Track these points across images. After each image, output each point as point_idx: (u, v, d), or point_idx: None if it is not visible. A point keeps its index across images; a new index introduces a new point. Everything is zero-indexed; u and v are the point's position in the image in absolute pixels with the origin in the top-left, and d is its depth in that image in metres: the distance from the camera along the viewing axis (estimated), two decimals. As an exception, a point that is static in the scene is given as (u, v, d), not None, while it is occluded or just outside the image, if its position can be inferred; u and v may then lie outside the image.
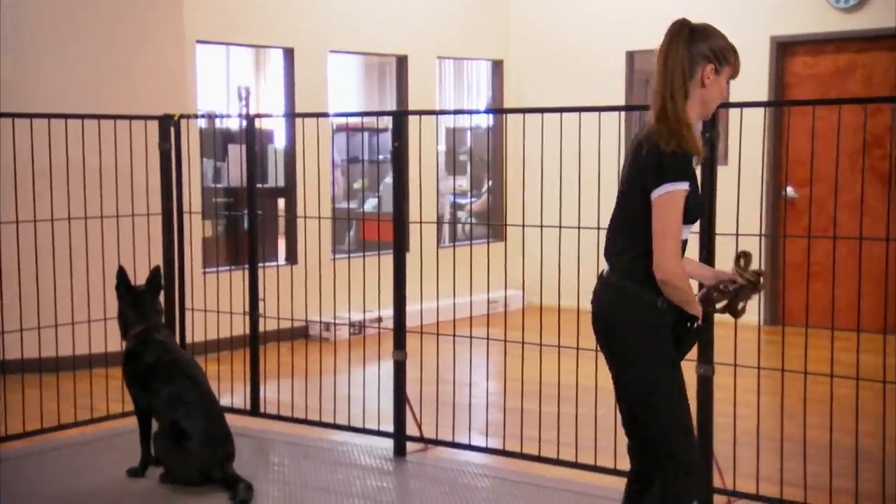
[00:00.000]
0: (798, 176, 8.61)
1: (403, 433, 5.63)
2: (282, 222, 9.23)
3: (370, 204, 9.67)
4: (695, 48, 3.29)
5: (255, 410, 6.15)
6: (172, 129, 6.30)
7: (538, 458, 5.24)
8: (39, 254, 5.89)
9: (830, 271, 4.64)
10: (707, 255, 4.57)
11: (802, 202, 8.77)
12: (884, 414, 4.49)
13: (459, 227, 10.54)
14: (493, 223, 9.73)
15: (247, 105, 11.81)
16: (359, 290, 5.90)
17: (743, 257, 3.45)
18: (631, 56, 9.92)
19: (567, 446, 5.18)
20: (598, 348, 3.46)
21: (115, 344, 5.65)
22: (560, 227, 5.14)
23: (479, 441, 5.64)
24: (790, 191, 8.81)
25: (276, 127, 10.20)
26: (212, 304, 6.80)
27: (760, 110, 5.16)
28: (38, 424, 5.76)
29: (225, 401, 5.96)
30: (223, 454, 5.02)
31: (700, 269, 3.60)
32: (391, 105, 10.44)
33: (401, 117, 5.79)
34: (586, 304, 3.54)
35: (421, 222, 6.07)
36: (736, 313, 3.45)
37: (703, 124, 4.32)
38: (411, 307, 5.73)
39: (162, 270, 5.59)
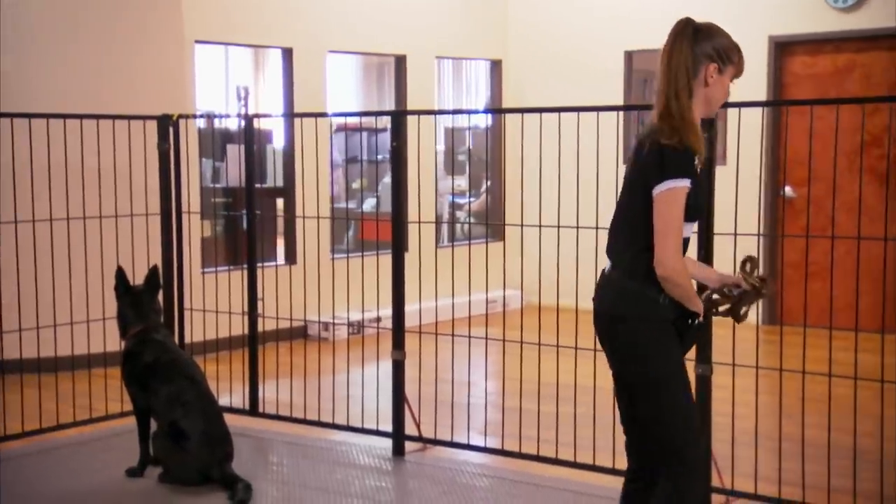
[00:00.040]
0: (796, 175, 8.61)
1: (402, 433, 5.64)
2: (280, 222, 9.23)
3: (369, 204, 9.67)
4: (698, 47, 3.30)
5: (253, 410, 6.16)
6: (171, 129, 6.30)
7: (537, 458, 5.24)
8: (38, 254, 5.89)
9: (829, 271, 4.65)
10: (705, 254, 4.57)
11: (801, 202, 8.77)
12: (882, 413, 4.49)
13: (458, 226, 10.54)
14: (491, 223, 9.74)
15: (245, 105, 11.81)
16: (358, 289, 5.90)
17: (749, 262, 3.46)
18: (629, 56, 9.92)
19: (565, 446, 5.18)
20: (598, 347, 3.46)
21: (114, 344, 5.66)
22: (559, 226, 5.15)
23: (477, 441, 5.64)
24: (788, 190, 8.82)
25: (274, 127, 10.20)
26: (211, 304, 6.80)
27: (759, 110, 5.16)
28: (37, 424, 5.76)
29: (224, 400, 5.96)
30: (222, 454, 5.02)
31: (705, 271, 3.60)
32: (390, 105, 10.44)
33: (399, 117, 5.79)
34: (585, 304, 3.54)
35: (420, 222, 6.07)
36: (738, 318, 3.46)
37: (700, 123, 4.31)
38: (410, 307, 5.73)
39: (160, 270, 5.59)
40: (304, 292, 6.17)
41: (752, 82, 8.91)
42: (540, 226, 5.36)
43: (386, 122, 8.68)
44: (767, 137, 8.48)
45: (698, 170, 3.30)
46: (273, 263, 8.33)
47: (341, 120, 10.65)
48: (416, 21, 9.78)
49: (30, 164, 5.81)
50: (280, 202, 9.20)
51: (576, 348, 5.09)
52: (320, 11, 9.01)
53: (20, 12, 7.47)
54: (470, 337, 5.65)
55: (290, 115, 8.81)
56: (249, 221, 6.33)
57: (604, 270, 3.44)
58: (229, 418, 5.31)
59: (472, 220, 10.99)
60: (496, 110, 10.79)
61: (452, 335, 5.57)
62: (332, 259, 8.52)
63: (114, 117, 6.19)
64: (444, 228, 10.39)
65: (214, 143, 8.85)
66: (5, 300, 6.01)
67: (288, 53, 8.86)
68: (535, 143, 5.31)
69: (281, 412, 6.08)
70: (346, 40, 9.30)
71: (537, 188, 5.45)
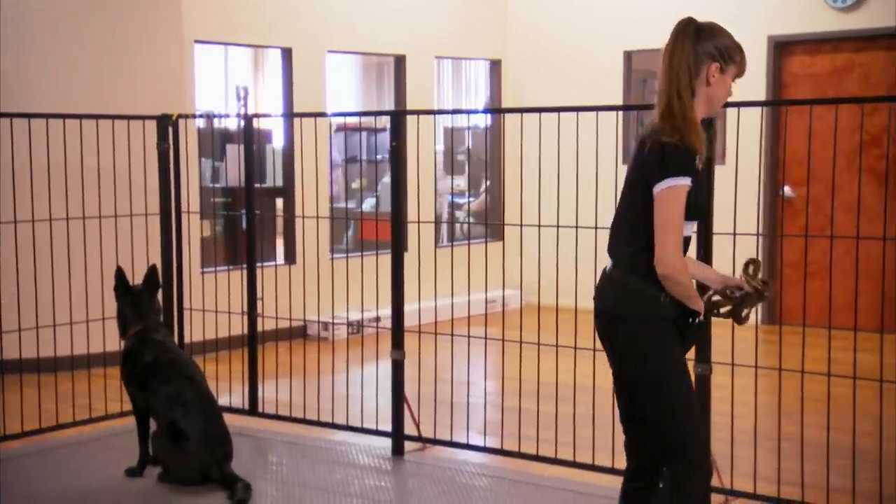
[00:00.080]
0: (795, 175, 8.62)
1: (401, 432, 5.64)
2: (280, 222, 9.23)
3: (368, 204, 9.68)
4: (700, 47, 3.30)
5: (253, 410, 6.16)
6: (171, 129, 6.30)
7: (536, 458, 5.25)
8: (38, 254, 5.90)
9: (828, 270, 4.65)
10: (704, 254, 4.58)
11: (800, 201, 8.78)
12: (881, 413, 4.49)
13: (457, 226, 10.55)
14: (490, 223, 9.74)
15: (245, 105, 11.82)
16: (357, 289, 5.90)
17: (752, 264, 3.46)
18: (629, 56, 9.92)
19: (565, 445, 5.18)
20: (597, 346, 3.46)
21: (114, 344, 5.66)
22: (558, 226, 5.15)
23: (476, 440, 5.65)
24: (787, 190, 8.82)
25: (274, 127, 10.20)
26: (210, 304, 6.80)
27: (758, 110, 5.16)
28: (37, 424, 5.76)
29: (223, 400, 5.97)
30: (221, 454, 5.02)
31: (707, 272, 3.60)
32: (389, 105, 10.45)
33: (399, 117, 5.80)
34: (584, 304, 3.55)
35: (419, 222, 6.08)
36: (740, 320, 3.46)
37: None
38: (409, 307, 5.74)
39: (158, 269, 5.59)
40: (303, 292, 6.17)
41: (751, 82, 8.91)
42: (539, 225, 5.36)
43: (385, 121, 8.68)
44: (766, 137, 8.49)
45: (699, 169, 3.30)
46: (272, 263, 8.34)
47: (341, 120, 10.66)
48: (416, 21, 9.79)
49: (29, 163, 5.81)
50: (279, 202, 9.20)
51: (575, 348, 5.09)
52: (320, 11, 9.02)
53: (20, 12, 7.47)
54: (469, 337, 5.65)
55: (289, 114, 8.82)
56: (249, 221, 6.33)
57: (605, 269, 3.45)
58: (229, 418, 5.31)
59: (472, 219, 10.99)
60: (495, 110, 10.79)
61: (452, 335, 5.58)
62: (332, 259, 8.53)
63: (113, 117, 6.19)
64: (444, 228, 10.40)
65: (214, 142, 8.85)
66: (5, 300, 6.01)
67: (287, 53, 8.86)
68: (535, 142, 5.32)
69: (280, 412, 6.09)
70: (345, 40, 9.31)
71: (536, 188, 5.45)
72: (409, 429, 5.64)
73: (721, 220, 4.66)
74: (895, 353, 4.91)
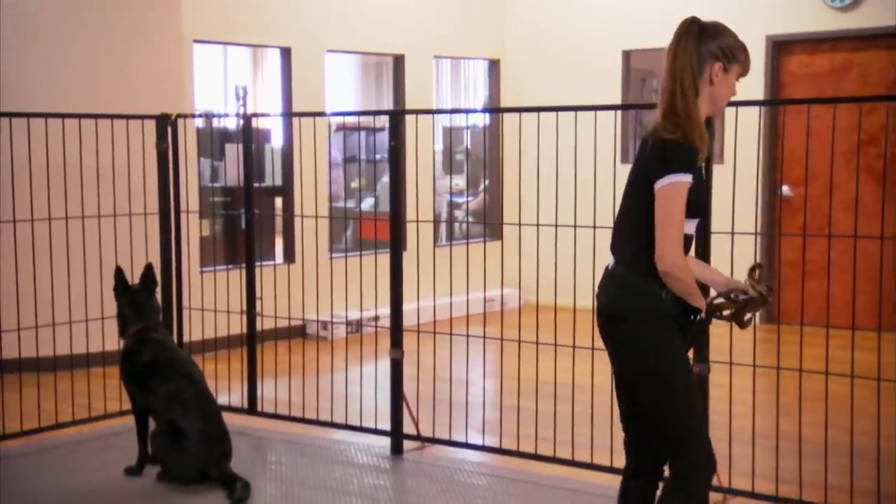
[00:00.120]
0: (793, 174, 8.62)
1: (400, 431, 5.65)
2: (279, 221, 9.23)
3: (367, 203, 9.68)
4: (704, 46, 3.30)
5: (252, 409, 6.16)
6: (170, 129, 6.31)
7: (535, 456, 5.25)
8: (37, 253, 5.90)
9: (826, 269, 4.66)
10: (703, 253, 4.58)
11: (798, 201, 8.78)
12: (879, 411, 4.50)
13: (456, 225, 10.55)
14: (489, 222, 9.75)
15: (244, 104, 11.82)
16: (356, 288, 5.91)
17: (757, 269, 3.47)
18: (627, 55, 9.93)
19: (564, 444, 5.19)
20: (596, 345, 3.46)
21: (113, 343, 5.67)
22: (556, 225, 5.15)
23: (475, 439, 5.65)
24: (786, 189, 8.83)
25: (273, 126, 10.21)
26: (209, 303, 6.81)
27: (756, 109, 5.17)
28: (36, 423, 5.77)
29: (222, 399, 5.98)
30: (220, 453, 5.02)
31: (713, 274, 3.59)
32: (388, 104, 10.45)
33: (398, 116, 5.80)
34: (583, 303, 3.55)
35: (418, 221, 6.08)
36: (742, 324, 3.46)
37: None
38: (408, 306, 5.75)
39: (154, 266, 5.56)
40: (302, 291, 6.18)
41: (750, 81, 8.84)
42: (538, 225, 5.37)
43: (384, 121, 8.68)
44: (765, 136, 8.49)
45: (701, 168, 3.31)
46: (272, 262, 8.35)
47: (340, 119, 10.66)
48: (415, 21, 9.79)
49: (29, 163, 5.82)
50: (279, 201, 9.20)
51: (573, 347, 5.10)
52: (319, 11, 9.02)
53: (20, 12, 7.47)
54: (468, 336, 5.65)
55: (288, 114, 8.82)
56: (248, 221, 6.33)
57: (607, 267, 3.45)
58: (228, 417, 5.32)
59: (471, 219, 11.00)
60: (494, 109, 10.80)
61: (451, 334, 5.58)
62: (331, 258, 8.53)
63: (112, 117, 6.19)
64: (443, 227, 10.40)
65: (213, 142, 8.85)
66: (4, 299, 6.02)
67: (286, 53, 8.87)
68: (533, 142, 5.33)
69: (279, 411, 6.09)
70: (344, 40, 9.31)
71: (535, 187, 5.45)
72: (408, 428, 5.65)
73: (719, 219, 4.67)
74: (893, 351, 4.91)
